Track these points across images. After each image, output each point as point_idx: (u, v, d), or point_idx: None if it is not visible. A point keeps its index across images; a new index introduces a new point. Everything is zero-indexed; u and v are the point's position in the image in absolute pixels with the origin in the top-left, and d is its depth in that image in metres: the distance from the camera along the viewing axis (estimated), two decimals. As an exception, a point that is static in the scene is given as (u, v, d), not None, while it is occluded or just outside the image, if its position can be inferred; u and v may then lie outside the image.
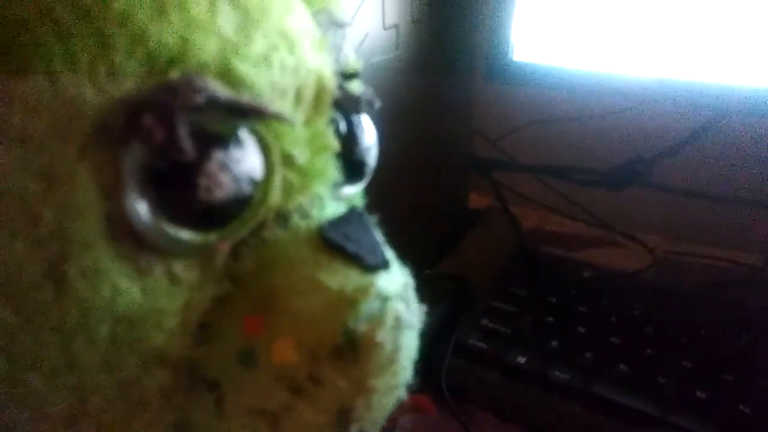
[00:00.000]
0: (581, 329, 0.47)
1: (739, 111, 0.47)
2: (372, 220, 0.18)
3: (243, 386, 0.15)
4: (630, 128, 0.59)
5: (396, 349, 0.16)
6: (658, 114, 0.57)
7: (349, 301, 0.16)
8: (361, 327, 0.15)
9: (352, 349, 0.15)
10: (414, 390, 0.43)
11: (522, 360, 0.44)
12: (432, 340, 0.47)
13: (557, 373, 0.43)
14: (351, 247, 0.16)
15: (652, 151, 0.57)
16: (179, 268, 0.15)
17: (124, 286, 0.14)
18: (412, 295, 0.17)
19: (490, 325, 0.48)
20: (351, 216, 0.18)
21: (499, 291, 0.52)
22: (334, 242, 0.16)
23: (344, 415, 0.16)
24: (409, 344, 0.17)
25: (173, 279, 0.15)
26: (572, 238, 0.64)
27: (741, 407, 0.39)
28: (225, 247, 0.15)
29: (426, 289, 0.52)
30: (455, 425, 0.40)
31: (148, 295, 0.14)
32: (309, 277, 0.16)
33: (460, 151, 0.67)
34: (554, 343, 0.46)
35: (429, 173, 0.58)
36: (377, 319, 0.16)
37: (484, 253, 0.62)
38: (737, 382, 0.41)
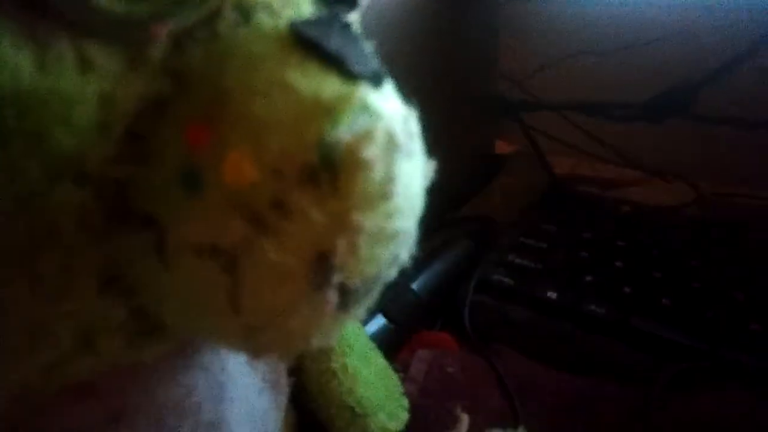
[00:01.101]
0: (619, 264, 0.43)
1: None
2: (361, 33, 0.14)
3: (187, 218, 0.12)
4: (663, 59, 0.54)
5: (389, 178, 0.12)
6: (694, 41, 0.52)
7: (326, 109, 0.12)
8: (342, 141, 0.11)
9: (329, 172, 0.12)
10: (436, 328, 0.40)
11: (553, 295, 0.40)
12: (454, 280, 0.43)
13: (592, 306, 0.39)
14: (331, 45, 0.12)
15: (692, 81, 0.52)
16: (93, 49, 0.11)
17: (10, 53, 0.10)
18: (413, 127, 0.13)
19: (517, 261, 0.44)
20: (332, 19, 0.14)
21: (527, 228, 0.48)
22: (309, 38, 0.12)
23: (321, 261, 0.12)
24: (409, 179, 0.13)
25: (84, 61, 0.11)
26: (608, 182, 0.59)
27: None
28: (161, 32, 0.12)
29: (447, 231, 0.49)
30: (478, 361, 0.36)
31: (46, 74, 0.10)
32: (273, 77, 0.12)
33: (486, 93, 0.63)
34: (589, 278, 0.42)
35: (452, 116, 0.54)
36: (364, 133, 0.12)
37: (511, 199, 0.58)
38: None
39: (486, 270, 0.43)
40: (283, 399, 0.23)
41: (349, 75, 0.12)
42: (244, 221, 0.11)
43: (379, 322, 0.37)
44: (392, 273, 0.14)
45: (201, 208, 0.12)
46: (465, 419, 0.27)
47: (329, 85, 0.12)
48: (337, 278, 0.12)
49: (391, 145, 0.12)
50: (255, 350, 0.13)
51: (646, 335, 0.37)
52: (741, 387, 0.33)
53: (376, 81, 0.13)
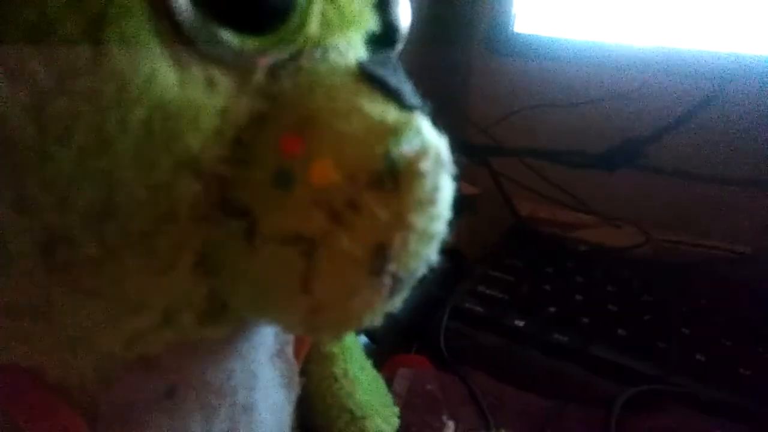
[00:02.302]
0: (578, 297, 0.47)
1: (733, 90, 0.48)
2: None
3: (278, 210, 0.14)
4: (622, 113, 0.60)
5: (436, 187, 0.15)
6: (649, 98, 0.58)
7: (391, 129, 0.15)
8: (404, 155, 0.15)
9: (392, 179, 0.15)
10: (412, 352, 0.42)
11: (520, 323, 0.44)
12: (427, 308, 0.46)
13: (556, 335, 0.42)
14: (392, 82, 0.16)
15: (642, 135, 0.57)
16: (217, 72, 0.14)
17: (162, 69, 0.13)
18: (447, 152, 0.16)
19: (487, 291, 0.48)
20: (388, 60, 0.17)
21: (494, 261, 0.52)
22: (375, 75, 0.16)
23: (381, 251, 0.15)
24: (447, 191, 0.16)
25: (210, 81, 0.14)
26: (565, 225, 0.64)
27: (741, 370, 0.39)
28: (263, 62, 0.15)
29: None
30: (454, 380, 0.39)
31: (185, 88, 0.13)
32: (350, 102, 0.15)
33: (454, 137, 0.67)
34: (552, 309, 0.45)
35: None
36: (420, 150, 0.15)
37: (477, 236, 0.62)
38: (737, 347, 0.41)
39: (458, 299, 0.47)
40: (294, 397, 0.25)
41: (405, 106, 0.15)
42: (325, 215, 0.14)
43: (362, 341, 0.39)
44: (423, 270, 0.17)
45: (290, 203, 0.14)
46: (451, 425, 0.30)
47: (392, 112, 0.15)
48: (391, 267, 0.15)
49: (439, 161, 0.15)
50: (314, 328, 0.16)
51: (604, 362, 0.40)
52: (688, 410, 0.37)
53: (424, 113, 0.16)
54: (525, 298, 0.47)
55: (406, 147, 0.15)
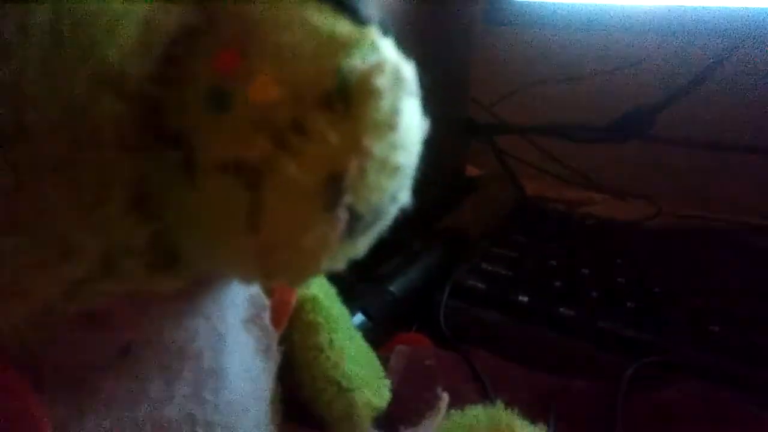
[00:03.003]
0: (585, 271, 0.45)
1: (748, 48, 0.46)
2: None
3: (215, 135, 0.13)
4: (629, 83, 0.58)
5: (395, 109, 0.14)
6: (658, 64, 0.56)
7: (342, 43, 0.13)
8: (357, 70, 0.13)
9: (344, 100, 0.13)
10: (412, 331, 0.41)
11: (524, 298, 0.42)
12: (427, 287, 0.45)
13: (562, 309, 0.40)
14: (343, -8, 0.14)
15: (652, 102, 0.55)
16: None
17: None
18: (412, 72, 0.15)
19: (490, 268, 0.46)
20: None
21: (498, 238, 0.50)
22: (324, -16, 0.14)
23: (334, 181, 0.13)
24: (410, 118, 0.14)
25: None
26: (574, 202, 0.62)
27: (754, 341, 0.37)
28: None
29: (422, 240, 0.50)
30: (455, 357, 0.37)
31: None
32: (295, 12, 0.13)
33: (458, 116, 0.65)
34: (557, 284, 0.44)
35: (426, 138, 0.56)
36: (375, 65, 0.13)
37: (481, 217, 0.60)
38: (749, 319, 0.39)
39: (460, 276, 0.45)
40: (274, 367, 0.23)
41: (359, 20, 0.14)
42: (268, 139, 0.13)
43: (359, 319, 0.38)
44: (393, 210, 0.16)
45: (229, 125, 0.13)
46: (445, 397, 0.28)
47: (343, 25, 0.14)
48: (347, 199, 0.14)
49: (398, 79, 0.14)
50: (268, 272, 0.15)
51: (612, 335, 0.39)
52: (700, 382, 0.35)
53: (383, 29, 0.14)
54: (529, 273, 0.45)
55: (360, 62, 0.13)
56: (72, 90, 0.12)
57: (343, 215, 0.14)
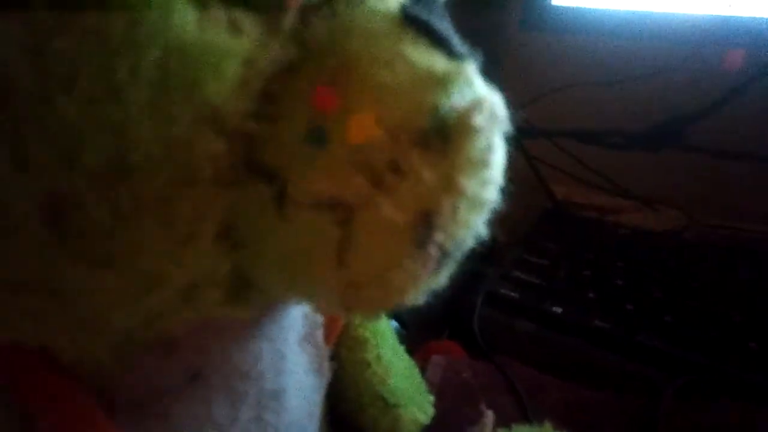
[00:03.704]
0: (619, 282, 0.44)
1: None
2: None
3: (310, 172, 0.13)
4: (665, 90, 0.57)
5: (490, 146, 0.13)
6: (695, 73, 0.55)
7: (439, 80, 0.13)
8: (455, 109, 0.13)
9: (441, 137, 0.13)
10: (443, 339, 0.41)
11: (558, 310, 0.41)
12: (459, 293, 0.45)
13: (597, 321, 0.40)
14: (439, 27, 0.14)
15: (688, 111, 0.54)
16: (242, 15, 0.12)
17: (179, 7, 0.11)
18: (503, 109, 0.14)
19: (522, 276, 0.45)
20: (433, 4, 0.15)
21: (529, 246, 0.50)
22: (420, 20, 0.14)
23: (427, 219, 0.13)
24: (501, 152, 0.14)
25: (234, 24, 0.12)
26: (604, 209, 0.61)
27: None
28: (293, 3, 0.13)
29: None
30: (489, 368, 0.37)
31: (205, 30, 0.11)
32: (392, 49, 0.13)
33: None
34: (591, 295, 0.43)
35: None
36: (472, 104, 0.13)
37: (511, 221, 0.59)
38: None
39: (492, 284, 0.45)
40: (325, 383, 0.23)
41: (454, 54, 0.14)
42: (364, 177, 0.13)
43: (392, 325, 0.38)
44: (471, 243, 0.16)
45: (325, 162, 0.13)
46: (490, 415, 0.28)
47: (440, 61, 0.13)
48: (438, 237, 0.13)
49: (494, 116, 0.14)
50: (351, 305, 0.14)
51: (650, 350, 0.38)
52: (740, 400, 0.35)
53: (473, 61, 0.14)
54: (562, 283, 0.45)
55: (457, 100, 0.13)
56: (175, 128, 0.11)
57: (433, 252, 0.14)
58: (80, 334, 0.14)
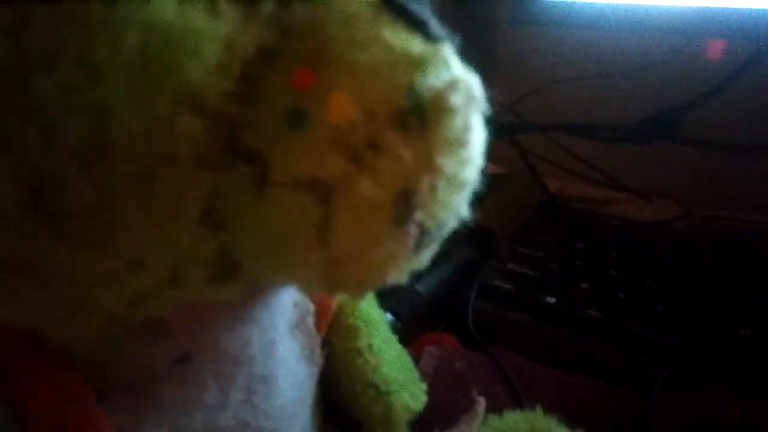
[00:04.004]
0: (613, 272, 0.45)
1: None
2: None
3: (290, 152, 0.13)
4: (656, 83, 0.57)
5: (467, 127, 0.14)
6: (686, 65, 0.55)
7: (416, 61, 0.13)
8: (431, 89, 0.13)
9: (418, 117, 0.13)
10: (439, 331, 0.41)
11: (552, 300, 0.42)
12: (454, 287, 0.45)
13: (590, 311, 0.40)
14: (416, 10, 0.14)
15: (679, 103, 0.54)
16: (221, 0, 0.12)
17: None
18: (480, 89, 0.15)
19: (516, 268, 0.46)
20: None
21: (523, 238, 0.50)
22: (396, 2, 0.14)
23: (406, 198, 0.13)
24: (479, 133, 0.14)
25: (213, 8, 0.12)
26: (598, 202, 0.62)
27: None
28: (271, -12, 0.13)
29: (448, 239, 0.50)
30: (483, 358, 0.37)
31: (184, 13, 0.12)
32: (369, 31, 0.13)
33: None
34: (585, 285, 0.43)
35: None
36: (449, 83, 0.13)
37: (505, 215, 0.60)
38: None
39: (486, 277, 0.45)
40: (317, 371, 0.23)
41: (431, 37, 0.14)
42: (343, 157, 0.13)
43: (386, 318, 0.38)
44: (453, 224, 0.16)
45: (304, 143, 0.13)
46: (482, 402, 0.28)
47: (417, 43, 0.14)
48: (417, 216, 0.14)
49: (470, 97, 0.14)
50: (333, 284, 0.15)
51: (642, 338, 0.38)
52: (733, 388, 0.35)
53: (452, 44, 0.14)
54: (556, 274, 0.45)
55: (433, 80, 0.13)
56: (154, 109, 0.12)
57: (413, 231, 0.14)
58: (67, 316, 0.14)
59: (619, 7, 0.47)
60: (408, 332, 0.39)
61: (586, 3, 0.48)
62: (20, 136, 0.11)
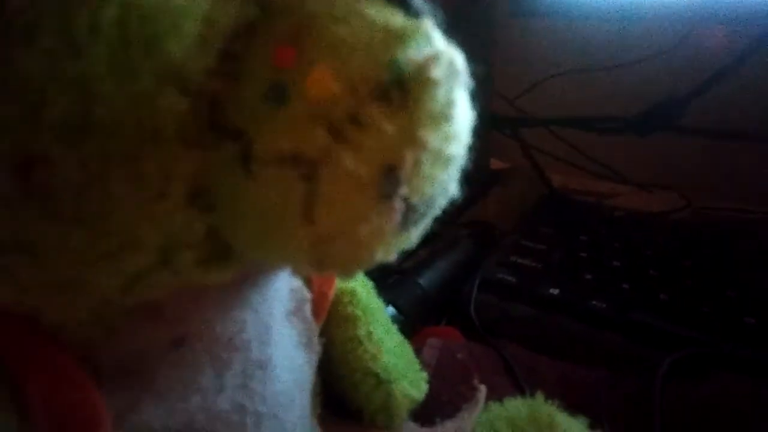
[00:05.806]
0: (616, 263, 0.45)
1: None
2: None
3: (273, 129, 0.13)
4: (657, 74, 0.57)
5: (450, 100, 0.14)
6: (686, 55, 0.55)
7: (397, 35, 0.13)
8: (412, 63, 0.13)
9: (400, 91, 0.13)
10: (441, 325, 0.41)
11: (555, 291, 0.42)
12: (457, 281, 0.45)
13: (593, 302, 0.40)
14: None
15: (680, 94, 0.54)
16: None
17: None
18: (463, 63, 0.15)
19: (519, 261, 0.46)
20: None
21: (526, 231, 0.50)
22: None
23: (390, 172, 0.13)
24: (463, 108, 0.15)
25: None
26: (601, 195, 0.62)
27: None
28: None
29: (450, 233, 0.50)
30: (486, 350, 0.37)
31: None
32: (349, 5, 0.13)
33: (481, 110, 0.65)
34: (588, 276, 0.43)
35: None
36: (431, 56, 0.13)
37: (507, 210, 0.60)
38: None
39: (489, 270, 0.45)
40: (315, 359, 0.23)
41: (412, 11, 0.14)
42: (325, 131, 0.13)
43: (389, 312, 0.38)
44: (442, 202, 0.16)
45: (286, 119, 0.13)
46: (483, 389, 0.28)
47: (397, 17, 0.14)
48: (402, 190, 0.14)
49: (453, 70, 0.14)
50: (321, 262, 0.15)
51: (646, 327, 0.38)
52: (737, 376, 0.35)
53: (434, 21, 0.15)
54: (559, 266, 0.45)
55: (414, 54, 0.13)
56: (137, 85, 0.12)
57: (398, 206, 0.14)
58: (61, 297, 0.15)
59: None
60: (410, 326, 0.39)
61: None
62: (6, 111, 0.12)
